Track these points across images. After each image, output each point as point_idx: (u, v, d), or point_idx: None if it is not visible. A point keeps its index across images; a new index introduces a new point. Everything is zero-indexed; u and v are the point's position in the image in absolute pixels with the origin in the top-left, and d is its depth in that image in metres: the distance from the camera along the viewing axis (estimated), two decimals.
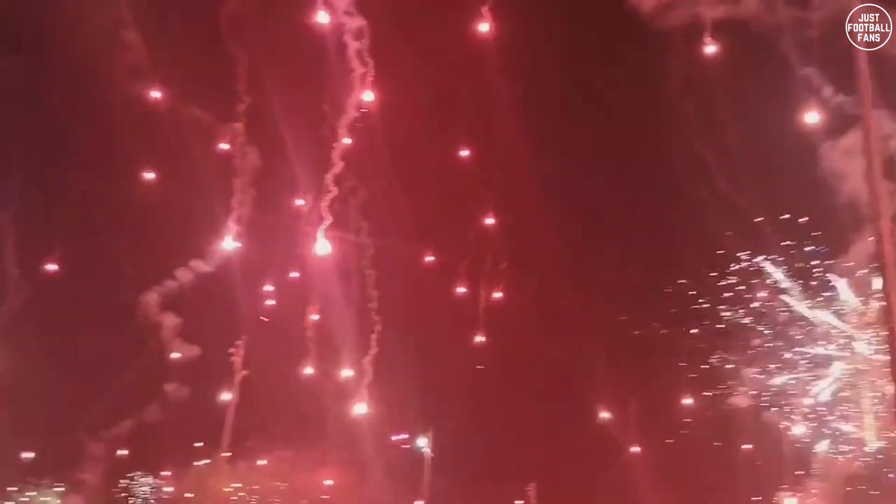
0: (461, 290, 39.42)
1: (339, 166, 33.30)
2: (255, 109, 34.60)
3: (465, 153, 37.61)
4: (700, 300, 38.11)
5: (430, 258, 39.06)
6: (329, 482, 38.63)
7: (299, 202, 36.34)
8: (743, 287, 37.73)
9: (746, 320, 37.81)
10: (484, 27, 33.20)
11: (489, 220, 38.59)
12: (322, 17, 31.99)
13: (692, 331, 38.34)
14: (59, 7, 31.87)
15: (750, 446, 37.68)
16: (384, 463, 38.27)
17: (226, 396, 35.77)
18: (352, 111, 33.01)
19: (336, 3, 31.86)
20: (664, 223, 37.40)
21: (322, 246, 33.70)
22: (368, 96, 33.45)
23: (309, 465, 38.20)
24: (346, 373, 36.82)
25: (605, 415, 38.87)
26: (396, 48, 33.21)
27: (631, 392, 37.69)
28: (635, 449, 38.92)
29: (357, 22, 31.90)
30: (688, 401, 38.70)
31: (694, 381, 38.28)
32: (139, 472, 38.82)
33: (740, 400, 37.87)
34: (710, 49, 32.81)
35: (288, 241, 36.17)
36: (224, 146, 35.60)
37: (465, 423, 38.40)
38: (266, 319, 37.12)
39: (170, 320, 35.70)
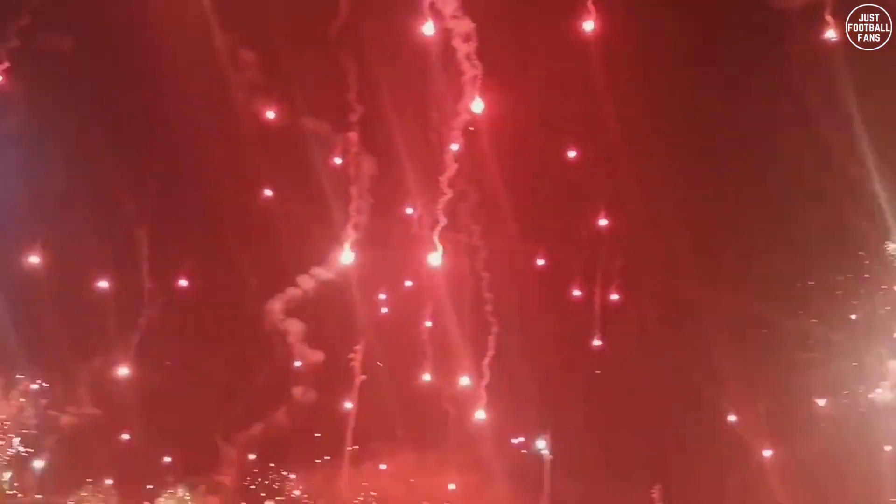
0: (577, 292, 39.12)
1: (451, 169, 33.66)
2: (368, 118, 35.44)
3: (572, 154, 37.25)
4: (835, 291, 36.17)
5: (542, 261, 38.89)
6: (452, 486, 38.82)
7: (409, 210, 36.97)
8: (882, 275, 35.62)
9: (886, 310, 35.63)
10: (589, 24, 32.62)
11: (602, 221, 38.13)
12: (428, 29, 32.22)
13: (827, 323, 36.36)
14: (179, 34, 33.55)
15: (891, 448, 35.42)
16: (505, 465, 38.20)
17: (347, 401, 36.97)
18: (463, 114, 33.26)
19: (442, 8, 32.14)
20: (793, 212, 35.67)
21: (436, 257, 34.03)
22: (478, 106, 33.54)
23: (432, 467, 38.61)
24: (464, 376, 37.00)
25: (732, 417, 37.41)
26: (504, 49, 33.26)
27: (762, 390, 36.19)
28: (767, 451, 37.18)
29: (465, 25, 32.10)
30: (821, 400, 36.74)
31: (830, 377, 36.29)
32: (271, 472, 40.08)
33: (882, 396, 35.62)
34: (831, 32, 31.14)
35: (403, 244, 36.76)
36: (338, 156, 36.63)
37: (586, 424, 37.95)
38: (380, 364, 37.81)
39: (295, 327, 37.00)
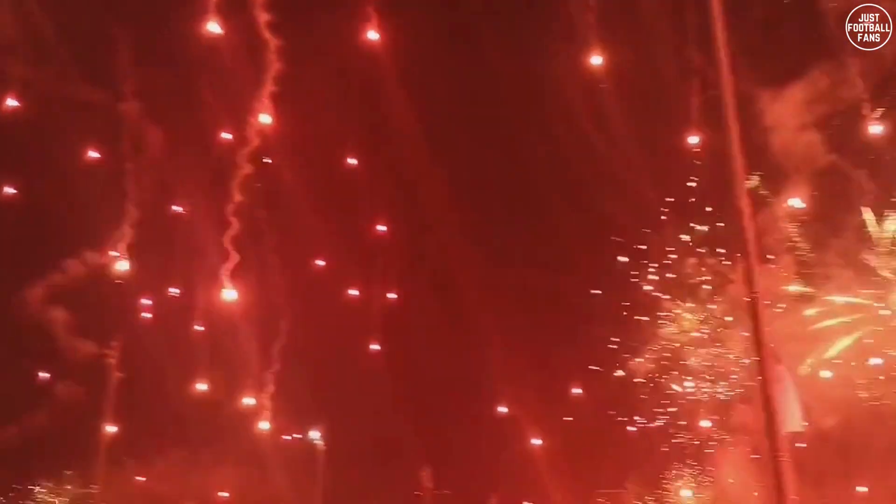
0: (355, 290, 39.60)
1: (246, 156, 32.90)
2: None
3: (353, 162, 37.42)
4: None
5: (322, 261, 38.99)
6: (224, 494, 37.65)
7: (176, 208, 35.55)
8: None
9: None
10: (373, 34, 32.29)
11: (381, 227, 38.84)
12: (213, 27, 30.68)
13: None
14: None
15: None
16: (282, 459, 37.88)
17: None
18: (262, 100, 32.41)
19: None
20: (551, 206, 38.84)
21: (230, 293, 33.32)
22: (266, 118, 33.04)
23: (206, 465, 37.17)
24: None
25: (502, 406, 39.61)
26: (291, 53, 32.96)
27: (528, 372, 38.39)
28: (534, 437, 39.08)
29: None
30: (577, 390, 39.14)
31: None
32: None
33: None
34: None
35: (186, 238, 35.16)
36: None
37: (361, 415, 38.61)
38: None
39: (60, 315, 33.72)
